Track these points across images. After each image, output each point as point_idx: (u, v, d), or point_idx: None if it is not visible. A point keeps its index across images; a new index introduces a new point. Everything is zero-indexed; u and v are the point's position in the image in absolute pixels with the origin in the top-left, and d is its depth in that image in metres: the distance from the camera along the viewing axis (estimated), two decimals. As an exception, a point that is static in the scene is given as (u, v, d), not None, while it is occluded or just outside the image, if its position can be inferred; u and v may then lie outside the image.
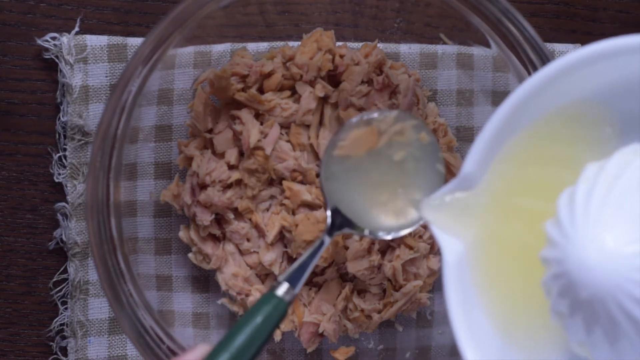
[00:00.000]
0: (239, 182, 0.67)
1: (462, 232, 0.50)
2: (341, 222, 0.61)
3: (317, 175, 0.68)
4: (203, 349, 0.54)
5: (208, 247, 0.68)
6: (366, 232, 0.61)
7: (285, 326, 0.69)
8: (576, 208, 0.46)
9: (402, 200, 0.61)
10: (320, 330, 0.68)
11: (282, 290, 0.56)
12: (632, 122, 0.51)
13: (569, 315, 0.47)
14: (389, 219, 0.61)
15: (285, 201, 0.68)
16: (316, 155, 0.68)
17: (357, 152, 0.61)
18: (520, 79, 0.63)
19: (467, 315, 0.49)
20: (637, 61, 0.49)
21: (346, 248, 0.68)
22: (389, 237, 0.61)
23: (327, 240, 0.60)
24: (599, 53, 0.48)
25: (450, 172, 0.69)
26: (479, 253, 0.50)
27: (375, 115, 0.61)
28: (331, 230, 0.61)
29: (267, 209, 0.68)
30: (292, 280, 0.57)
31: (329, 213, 0.61)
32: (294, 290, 0.57)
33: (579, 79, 0.49)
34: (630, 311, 0.45)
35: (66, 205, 0.70)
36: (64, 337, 0.70)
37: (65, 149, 0.70)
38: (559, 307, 0.47)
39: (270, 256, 0.68)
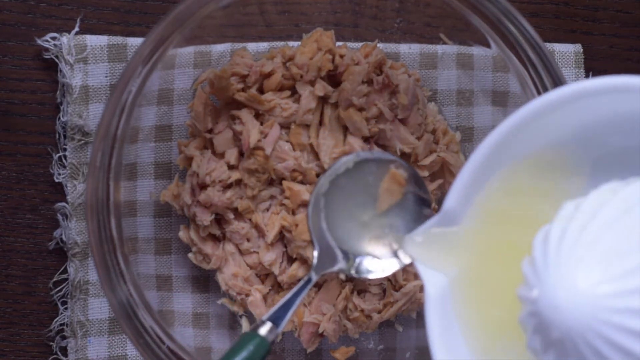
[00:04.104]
0: (239, 182, 0.67)
1: (445, 266, 0.50)
2: (330, 260, 0.61)
3: (317, 175, 0.68)
4: None
5: (208, 247, 0.68)
6: (352, 271, 0.62)
7: (285, 326, 0.69)
8: (549, 247, 0.46)
9: (389, 241, 0.62)
10: (320, 330, 0.68)
11: (265, 329, 0.57)
12: (608, 161, 0.51)
13: (543, 352, 0.46)
14: (375, 258, 0.62)
15: (285, 201, 0.68)
16: (316, 155, 0.68)
17: (391, 202, 0.62)
18: (520, 79, 0.63)
19: (448, 344, 0.49)
20: (613, 101, 0.49)
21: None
22: (372, 277, 0.62)
23: (314, 278, 0.61)
24: (570, 95, 0.49)
25: (449, 172, 0.70)
26: (461, 286, 0.50)
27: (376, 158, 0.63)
28: (318, 268, 0.61)
29: (267, 209, 0.68)
30: (276, 319, 0.57)
31: (315, 253, 0.61)
32: (277, 330, 0.57)
33: (555, 120, 0.50)
34: (601, 352, 0.44)
35: (66, 205, 0.70)
36: (64, 337, 0.70)
37: (65, 149, 0.70)
38: (534, 344, 0.47)
39: (270, 256, 0.68)
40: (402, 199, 0.62)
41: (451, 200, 0.50)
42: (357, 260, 0.62)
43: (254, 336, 0.56)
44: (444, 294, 0.50)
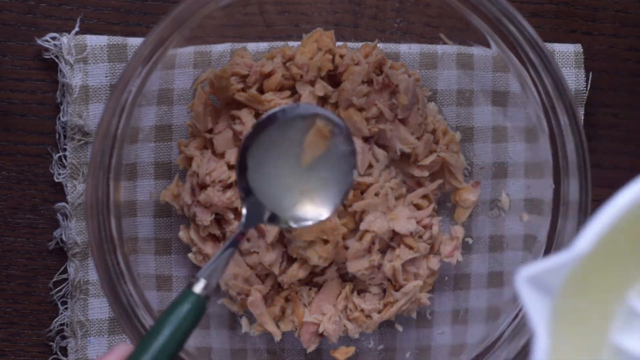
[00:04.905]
0: (239, 182, 0.67)
1: (548, 308, 0.45)
2: (258, 213, 0.62)
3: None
4: (123, 349, 0.54)
5: (208, 247, 0.68)
6: (291, 223, 0.63)
7: (285, 326, 0.69)
8: None
9: (317, 193, 0.63)
10: (320, 330, 0.68)
11: (199, 287, 0.57)
12: None
13: None
14: (301, 211, 0.63)
15: (285, 201, 0.68)
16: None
17: (315, 155, 0.63)
18: (520, 79, 0.63)
19: None
20: None
21: (346, 248, 0.68)
22: (308, 224, 0.63)
23: (244, 232, 0.61)
24: None
25: (449, 172, 0.70)
26: (557, 333, 0.46)
27: (301, 111, 0.63)
28: (247, 222, 0.61)
29: (267, 209, 0.68)
30: (209, 275, 0.57)
31: (244, 211, 0.62)
32: (211, 285, 0.57)
33: None
34: None
35: (66, 205, 0.70)
36: (64, 337, 0.70)
37: (65, 149, 0.70)
38: None
39: (270, 256, 0.68)
40: (327, 152, 0.62)
41: (587, 243, 0.44)
42: (289, 212, 0.62)
43: (189, 294, 0.56)
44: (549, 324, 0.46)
